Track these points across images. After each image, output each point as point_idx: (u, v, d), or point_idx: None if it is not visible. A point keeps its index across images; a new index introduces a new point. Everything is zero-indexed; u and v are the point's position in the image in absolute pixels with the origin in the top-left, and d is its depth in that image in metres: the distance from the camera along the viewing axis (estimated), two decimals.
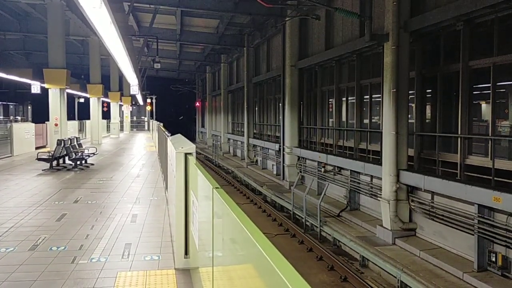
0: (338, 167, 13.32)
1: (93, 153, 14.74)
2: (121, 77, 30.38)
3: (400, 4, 9.65)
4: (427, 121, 10.23)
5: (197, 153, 31.56)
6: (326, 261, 9.43)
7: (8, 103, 47.17)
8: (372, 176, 11.38)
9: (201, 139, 45.02)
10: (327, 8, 12.84)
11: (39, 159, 12.77)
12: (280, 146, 18.16)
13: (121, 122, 39.56)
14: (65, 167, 13.25)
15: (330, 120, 15.03)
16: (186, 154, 4.49)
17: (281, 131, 17.91)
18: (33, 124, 19.72)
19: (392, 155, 9.74)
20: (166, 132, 10.54)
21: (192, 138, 45.04)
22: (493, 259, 7.43)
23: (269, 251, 1.29)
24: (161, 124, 20.77)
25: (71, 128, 24.15)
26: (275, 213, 13.61)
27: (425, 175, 9.04)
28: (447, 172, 9.04)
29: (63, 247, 5.35)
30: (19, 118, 46.19)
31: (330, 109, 15.06)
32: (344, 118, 14.12)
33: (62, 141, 13.11)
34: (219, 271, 2.43)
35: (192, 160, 4.19)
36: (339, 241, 10.44)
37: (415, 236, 9.62)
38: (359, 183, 11.95)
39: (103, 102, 30.14)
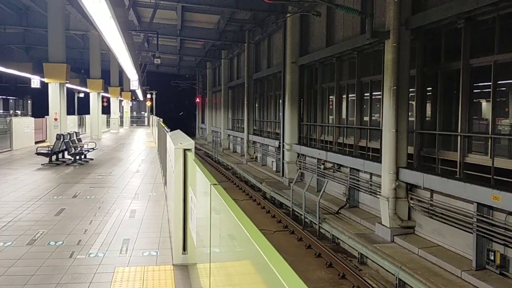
0: (337, 164, 13.31)
1: (93, 148, 14.72)
2: (121, 72, 30.31)
3: (402, 1, 9.62)
4: (427, 119, 10.22)
5: (197, 149, 31.56)
6: (324, 258, 9.44)
7: (8, 97, 47.12)
8: (371, 174, 11.38)
9: (201, 135, 45.00)
10: (328, 4, 12.79)
11: (38, 154, 12.76)
12: (280, 142, 18.15)
13: (121, 117, 39.51)
14: (64, 161, 13.23)
15: (330, 117, 15.02)
16: (185, 150, 4.47)
17: (281, 128, 17.90)
18: (33, 119, 19.69)
19: (391, 152, 9.72)
20: (166, 128, 10.53)
21: (192, 134, 45.04)
22: (492, 258, 7.44)
23: (264, 248, 1.28)
24: (161, 119, 20.75)
25: (70, 123, 24.14)
26: (274, 210, 13.61)
27: (424, 173, 9.03)
28: (447, 170, 9.03)
29: (61, 242, 5.34)
30: (19, 112, 46.17)
31: (330, 106, 15.05)
32: (344, 115, 14.10)
33: (62, 136, 13.09)
34: (216, 267, 2.42)
35: (191, 156, 4.17)
36: (338, 238, 10.45)
37: (413, 234, 9.63)
38: (358, 180, 11.94)
39: (103, 97, 30.10)
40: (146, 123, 50.29)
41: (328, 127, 15.04)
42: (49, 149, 12.85)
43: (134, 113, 56.54)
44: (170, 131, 8.42)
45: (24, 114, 43.31)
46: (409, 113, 10.09)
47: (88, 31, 23.89)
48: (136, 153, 16.85)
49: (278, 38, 19.57)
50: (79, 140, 15.00)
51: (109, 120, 34.44)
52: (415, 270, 7.80)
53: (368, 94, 12.46)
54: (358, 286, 7.99)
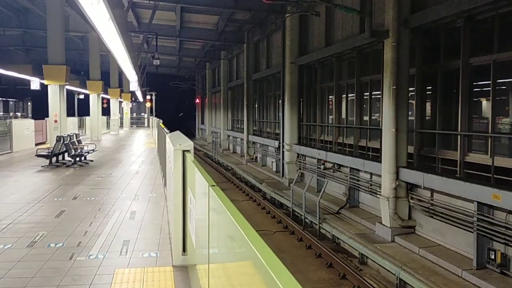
0: (337, 164, 13.31)
1: (93, 150, 14.72)
2: (121, 74, 30.34)
3: (401, 0, 9.62)
4: (427, 118, 10.21)
5: (196, 150, 31.55)
6: (325, 258, 9.43)
7: (8, 99, 47.14)
8: (371, 174, 11.37)
9: (201, 136, 45.00)
10: (327, 4, 12.79)
11: (38, 156, 12.76)
12: (279, 143, 18.15)
13: (121, 118, 39.53)
14: (64, 163, 13.23)
15: (330, 117, 15.01)
16: (184, 151, 4.47)
17: (281, 128, 17.89)
18: (33, 121, 19.70)
19: (391, 152, 9.72)
20: (165, 129, 10.53)
21: (191, 135, 45.06)
22: (492, 257, 7.43)
23: (261, 249, 1.27)
24: (161, 120, 20.75)
25: (70, 125, 24.13)
26: (275, 210, 13.60)
27: (424, 173, 9.02)
28: (447, 170, 9.02)
29: (61, 244, 5.34)
30: (19, 114, 46.18)
31: (330, 106, 15.04)
32: (344, 115, 14.09)
33: (62, 138, 13.09)
34: (215, 268, 2.42)
35: (189, 157, 4.17)
36: (338, 238, 10.44)
37: (414, 233, 9.62)
38: (358, 180, 11.94)
39: (102, 98, 30.11)
40: (146, 124, 50.30)
41: (327, 127, 15.04)
42: (49, 151, 12.85)
43: (134, 115, 56.61)
44: (170, 132, 8.43)
45: (24, 116, 43.31)
46: (409, 112, 10.08)
47: (87, 33, 23.91)
48: (136, 155, 16.85)
49: (277, 38, 19.57)
50: (79, 141, 15.01)
51: (109, 122, 34.45)
52: (415, 269, 7.80)
53: (367, 93, 12.46)
54: (358, 286, 7.98)
